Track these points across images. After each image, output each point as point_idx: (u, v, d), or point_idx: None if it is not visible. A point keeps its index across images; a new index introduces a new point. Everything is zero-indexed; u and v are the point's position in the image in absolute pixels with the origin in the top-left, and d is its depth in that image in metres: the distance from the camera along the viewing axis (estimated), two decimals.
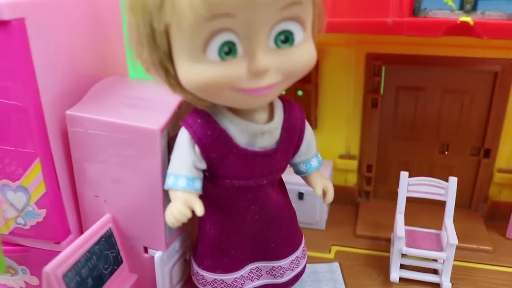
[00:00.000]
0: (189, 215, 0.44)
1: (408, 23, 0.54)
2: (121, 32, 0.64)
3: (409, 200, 0.66)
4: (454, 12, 0.54)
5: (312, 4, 0.41)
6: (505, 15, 0.52)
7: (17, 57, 0.47)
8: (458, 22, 0.52)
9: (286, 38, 0.40)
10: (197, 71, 0.39)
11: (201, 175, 0.47)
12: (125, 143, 0.49)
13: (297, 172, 0.55)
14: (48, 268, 0.46)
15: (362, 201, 0.83)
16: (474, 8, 0.54)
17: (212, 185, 0.48)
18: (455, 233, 0.60)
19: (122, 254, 0.55)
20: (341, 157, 0.80)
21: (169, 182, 0.46)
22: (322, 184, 0.54)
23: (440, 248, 0.61)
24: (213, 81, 0.39)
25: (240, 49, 0.39)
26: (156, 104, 0.51)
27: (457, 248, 0.63)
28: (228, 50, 0.38)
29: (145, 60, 0.41)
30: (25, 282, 0.61)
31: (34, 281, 0.61)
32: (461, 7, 0.54)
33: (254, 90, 0.40)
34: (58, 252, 0.54)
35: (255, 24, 0.38)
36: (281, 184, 0.55)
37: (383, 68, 0.74)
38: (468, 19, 0.52)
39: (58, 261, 0.47)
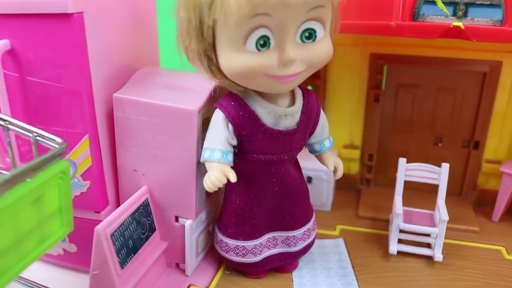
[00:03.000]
0: (224, 181, 0.52)
1: (409, 26, 0.60)
2: (155, 28, 0.71)
3: (406, 187, 0.71)
4: (448, 18, 0.59)
5: (331, 7, 0.49)
6: (491, 21, 0.58)
7: (75, 45, 0.53)
8: (451, 26, 0.58)
9: (310, 35, 0.48)
10: (237, 59, 0.47)
11: (232, 150, 0.54)
12: (165, 123, 0.56)
13: (312, 151, 0.62)
14: (99, 227, 0.53)
15: (364, 187, 0.88)
16: (465, 14, 0.59)
17: (240, 160, 0.55)
18: (446, 211, 0.66)
19: (155, 222, 0.62)
20: (345, 147, 0.86)
21: (206, 155, 0.53)
22: (334, 161, 0.61)
23: (433, 225, 0.68)
24: (250, 68, 0.47)
25: (273, 42, 0.47)
26: (190, 90, 0.58)
27: (448, 228, 0.69)
28: (263, 43, 0.46)
29: (191, 50, 0.49)
30: (64, 249, 0.67)
31: (72, 248, 0.66)
32: (454, 14, 0.59)
33: (283, 77, 0.48)
34: (97, 221, 0.60)
35: (286, 22, 0.45)
36: (297, 163, 0.62)
37: (385, 67, 0.79)
38: (459, 24, 0.58)
39: (107, 222, 0.54)
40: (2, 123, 0.50)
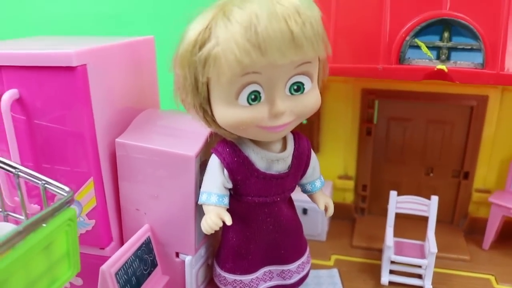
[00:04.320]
0: (220, 224, 0.55)
1: (395, 69, 0.63)
2: (154, 73, 0.74)
3: (399, 216, 0.74)
4: (432, 61, 0.62)
5: (318, 61, 0.52)
6: (473, 65, 0.61)
7: (80, 94, 0.56)
8: (435, 69, 0.61)
9: (298, 88, 0.51)
10: (230, 113, 0.50)
11: (228, 193, 0.57)
12: (165, 166, 0.59)
13: (304, 191, 0.65)
14: (104, 267, 0.55)
15: (358, 216, 0.90)
16: (448, 58, 0.62)
17: (236, 201, 0.58)
18: (435, 243, 0.68)
19: (157, 258, 0.65)
20: (340, 177, 0.88)
21: (203, 198, 0.56)
22: (324, 201, 0.64)
23: (423, 256, 0.70)
24: (242, 121, 0.50)
25: (263, 96, 0.50)
26: (188, 134, 0.61)
27: (439, 257, 0.72)
28: (254, 97, 0.49)
29: (188, 103, 0.52)
30: (70, 283, 0.69)
31: (78, 281, 0.69)
32: (438, 57, 0.62)
33: (273, 128, 0.51)
34: (102, 257, 0.63)
35: (275, 78, 0.49)
36: (290, 201, 0.65)
37: (376, 102, 0.82)
38: (443, 67, 0.60)
39: (111, 261, 0.56)
40: (13, 170, 0.53)
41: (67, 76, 0.55)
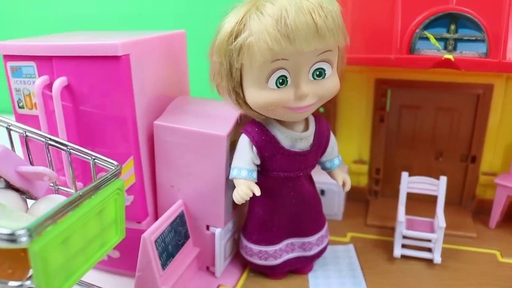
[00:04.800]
0: (251, 194, 0.61)
1: (406, 59, 0.68)
2: (185, 63, 0.80)
3: (410, 198, 0.79)
4: (440, 51, 0.68)
5: (337, 50, 0.59)
6: (477, 54, 0.67)
7: (123, 81, 0.62)
8: (443, 58, 0.66)
9: (320, 73, 0.57)
10: (261, 95, 0.57)
11: (256, 168, 0.64)
12: (198, 146, 0.65)
13: (324, 168, 0.71)
14: (145, 234, 0.62)
15: (372, 199, 0.95)
16: (454, 48, 0.68)
17: (263, 176, 0.65)
18: (444, 219, 0.74)
19: (189, 231, 0.71)
20: (355, 162, 0.93)
21: (234, 173, 0.63)
22: (342, 177, 0.70)
23: (433, 231, 0.76)
24: (271, 102, 0.57)
25: (289, 81, 0.56)
26: (219, 117, 0.67)
27: (448, 234, 0.78)
28: (282, 81, 0.56)
29: (222, 87, 0.59)
30: (108, 256, 0.75)
31: (116, 254, 0.75)
32: (445, 48, 0.68)
33: (298, 108, 0.58)
34: (139, 230, 0.69)
35: (300, 64, 0.55)
36: (311, 179, 0.71)
37: (389, 91, 0.87)
38: (450, 56, 0.66)
39: (151, 230, 0.63)
40: (65, 148, 0.59)
41: (113, 65, 0.61)
